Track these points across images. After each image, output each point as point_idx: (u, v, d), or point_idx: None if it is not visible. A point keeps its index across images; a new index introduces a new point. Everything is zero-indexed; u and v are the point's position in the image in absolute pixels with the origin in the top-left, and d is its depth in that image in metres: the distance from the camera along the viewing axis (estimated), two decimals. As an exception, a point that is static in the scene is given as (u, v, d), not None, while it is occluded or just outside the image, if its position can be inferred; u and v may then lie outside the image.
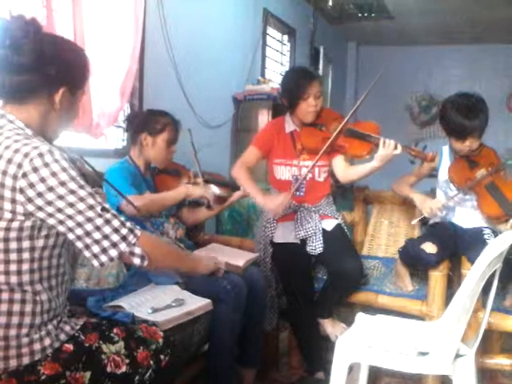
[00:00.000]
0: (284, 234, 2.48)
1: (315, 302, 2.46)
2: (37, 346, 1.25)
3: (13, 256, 1.22)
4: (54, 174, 1.20)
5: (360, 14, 6.26)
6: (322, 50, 6.16)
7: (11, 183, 1.19)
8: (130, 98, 3.11)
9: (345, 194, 3.69)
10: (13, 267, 1.23)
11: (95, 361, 1.32)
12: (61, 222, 1.23)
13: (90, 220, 1.25)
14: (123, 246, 1.29)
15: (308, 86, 2.38)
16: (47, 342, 1.27)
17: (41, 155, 1.20)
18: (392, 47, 7.56)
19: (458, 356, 1.73)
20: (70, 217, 1.23)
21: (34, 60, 1.26)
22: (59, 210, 1.22)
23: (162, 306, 1.78)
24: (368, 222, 2.98)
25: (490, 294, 1.80)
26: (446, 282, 2.28)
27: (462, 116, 2.29)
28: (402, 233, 2.89)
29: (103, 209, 1.27)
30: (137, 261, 1.33)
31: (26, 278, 1.24)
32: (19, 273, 1.24)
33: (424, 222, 2.60)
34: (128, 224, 1.32)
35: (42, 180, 1.19)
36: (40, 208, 1.21)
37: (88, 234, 1.25)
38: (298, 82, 2.41)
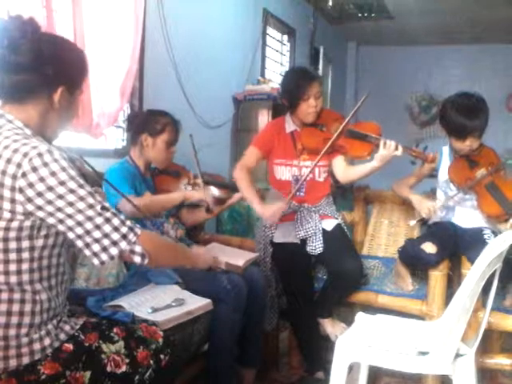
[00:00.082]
0: (284, 234, 2.48)
1: (315, 302, 2.46)
2: (36, 346, 1.25)
3: (12, 256, 1.23)
4: (53, 174, 1.21)
5: (360, 14, 6.26)
6: (321, 50, 6.17)
7: (10, 183, 1.19)
8: (130, 98, 3.11)
9: (345, 194, 3.69)
10: (12, 267, 1.23)
11: (95, 360, 1.32)
12: (61, 221, 1.23)
13: (89, 219, 1.25)
14: (123, 245, 1.29)
15: (308, 86, 2.38)
16: (47, 341, 1.27)
17: (40, 155, 1.20)
18: (392, 47, 7.57)
19: (458, 356, 1.73)
20: (69, 216, 1.23)
21: (32, 60, 1.26)
22: (59, 210, 1.22)
23: (161, 305, 1.78)
24: (368, 222, 2.98)
25: (490, 293, 1.80)
26: (445, 281, 2.28)
27: (463, 116, 2.29)
28: (401, 233, 2.89)
29: (103, 207, 1.27)
30: (137, 259, 1.33)
31: (25, 277, 1.24)
32: (19, 272, 1.24)
33: (424, 222, 2.60)
34: (128, 222, 1.32)
35: (42, 179, 1.20)
36: (40, 207, 1.21)
37: (88, 232, 1.25)
38: (297, 82, 2.41)
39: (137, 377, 1.38)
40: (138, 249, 1.32)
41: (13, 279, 1.23)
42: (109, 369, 1.33)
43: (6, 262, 1.22)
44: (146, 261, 1.34)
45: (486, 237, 2.29)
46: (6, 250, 1.22)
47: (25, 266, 1.24)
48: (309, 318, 2.45)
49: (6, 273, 1.23)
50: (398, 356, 1.72)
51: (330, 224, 2.50)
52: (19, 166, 1.19)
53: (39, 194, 1.20)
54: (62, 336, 1.31)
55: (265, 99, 4.28)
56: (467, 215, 2.44)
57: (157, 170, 2.49)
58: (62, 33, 2.41)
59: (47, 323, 1.29)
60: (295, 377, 2.61)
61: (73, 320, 1.38)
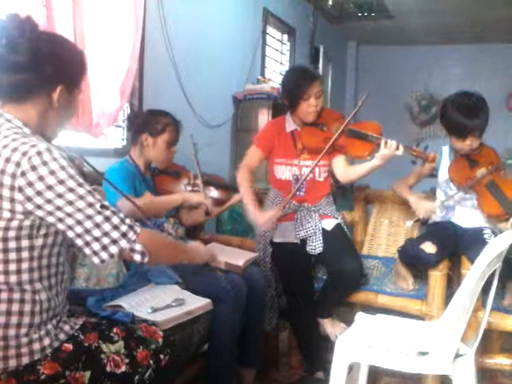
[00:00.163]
0: (284, 234, 2.48)
1: (315, 302, 2.46)
2: (36, 346, 1.25)
3: (12, 255, 1.22)
4: (52, 173, 1.20)
5: (360, 14, 6.26)
6: (321, 50, 6.16)
7: (10, 182, 1.19)
8: (130, 98, 3.11)
9: (345, 194, 3.69)
10: (12, 266, 1.23)
11: (95, 360, 1.32)
12: (60, 220, 1.23)
13: (89, 217, 1.25)
14: (123, 243, 1.29)
15: (309, 86, 2.37)
16: (46, 341, 1.27)
17: (39, 153, 1.20)
18: (392, 47, 7.57)
19: (457, 356, 1.73)
20: (69, 215, 1.23)
21: (30, 59, 1.26)
22: (58, 208, 1.22)
23: (161, 305, 1.78)
24: (368, 222, 2.98)
25: (490, 293, 1.80)
26: (445, 281, 2.28)
27: (463, 115, 2.29)
28: (402, 232, 2.88)
29: (102, 206, 1.27)
30: (137, 257, 1.33)
31: (25, 276, 1.24)
32: (18, 272, 1.23)
33: (424, 222, 2.60)
34: (127, 221, 1.32)
35: (41, 178, 1.19)
36: (39, 206, 1.21)
37: (88, 231, 1.25)
38: (298, 82, 2.40)
39: (136, 377, 1.38)
40: (137, 247, 1.32)
41: (12, 279, 1.23)
42: (108, 369, 1.33)
43: (6, 261, 1.22)
44: (146, 259, 1.34)
45: (486, 236, 2.29)
46: (5, 250, 1.22)
47: (24, 266, 1.24)
48: (309, 317, 2.45)
49: (6, 272, 1.23)
50: (397, 356, 1.72)
51: (329, 224, 2.50)
52: (18, 164, 1.19)
53: (39, 193, 1.20)
54: (62, 336, 1.31)
55: (265, 99, 4.28)
56: (467, 215, 2.44)
57: (157, 170, 2.48)
58: (61, 32, 2.40)
59: (47, 323, 1.29)
60: (295, 377, 2.61)
61: (72, 320, 1.38)
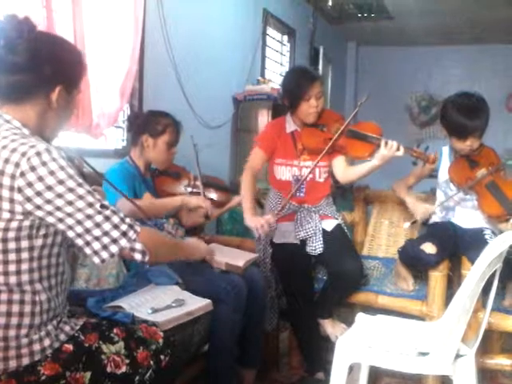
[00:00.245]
0: (284, 235, 2.48)
1: (315, 303, 2.46)
2: (36, 347, 1.25)
3: (11, 256, 1.22)
4: (52, 173, 1.20)
5: (360, 14, 6.27)
6: (321, 50, 6.17)
7: (9, 183, 1.19)
8: (130, 99, 3.11)
9: (345, 195, 3.69)
10: (12, 267, 1.23)
11: (95, 361, 1.32)
12: (60, 220, 1.23)
13: (89, 217, 1.25)
14: (123, 242, 1.29)
15: (309, 86, 2.37)
16: (47, 342, 1.27)
17: (38, 154, 1.20)
18: (392, 47, 7.57)
19: (458, 356, 1.73)
20: (69, 215, 1.23)
21: (29, 59, 1.26)
22: (58, 209, 1.22)
23: (162, 306, 1.77)
24: (368, 223, 2.98)
25: (490, 294, 1.80)
26: (446, 282, 2.28)
27: (463, 116, 2.29)
28: (402, 233, 2.88)
29: (102, 206, 1.27)
30: (138, 256, 1.33)
31: (25, 277, 1.24)
32: (18, 273, 1.23)
33: (423, 223, 2.60)
34: (127, 220, 1.32)
35: (40, 179, 1.19)
36: (39, 207, 1.21)
37: (88, 231, 1.25)
38: (299, 82, 2.40)
39: (137, 377, 1.38)
40: (138, 246, 1.32)
41: (12, 280, 1.23)
42: (109, 369, 1.33)
43: (6, 262, 1.22)
44: (147, 258, 1.34)
45: (486, 237, 2.29)
46: (5, 251, 1.22)
47: (24, 266, 1.24)
48: (309, 318, 2.45)
49: (6, 273, 1.22)
50: (398, 356, 1.72)
51: (330, 224, 2.49)
52: (17, 165, 1.19)
53: (38, 194, 1.20)
54: (62, 337, 1.31)
55: (265, 99, 4.28)
56: (467, 215, 2.44)
57: (157, 171, 2.48)
58: (62, 33, 2.41)
59: (47, 324, 1.28)
60: (295, 377, 2.61)
61: (73, 321, 1.38)
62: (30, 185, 1.19)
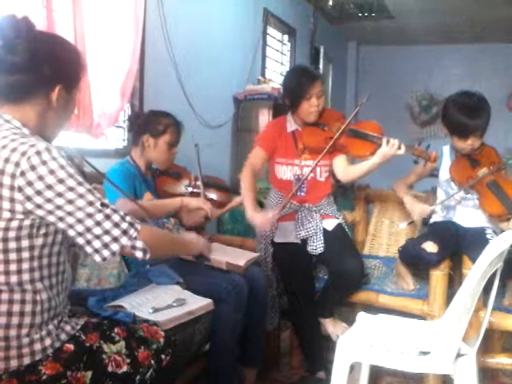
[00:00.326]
0: (285, 234, 2.48)
1: (316, 302, 2.46)
2: (37, 346, 1.25)
3: (12, 256, 1.22)
4: (52, 172, 1.20)
5: (360, 14, 6.27)
6: (322, 50, 6.17)
7: (9, 182, 1.19)
8: (131, 98, 3.11)
9: (345, 194, 3.69)
10: (12, 267, 1.23)
11: (96, 360, 1.32)
12: (61, 219, 1.23)
13: (90, 216, 1.25)
14: (124, 240, 1.29)
15: (310, 85, 2.37)
16: (48, 341, 1.27)
17: (38, 153, 1.20)
18: (392, 47, 7.57)
19: (459, 355, 1.73)
20: (69, 213, 1.23)
21: (28, 59, 1.26)
22: (59, 208, 1.22)
23: (163, 305, 1.78)
24: (369, 222, 2.98)
25: (491, 293, 1.80)
26: (447, 281, 2.28)
27: (465, 115, 2.29)
28: (402, 232, 2.87)
29: (103, 204, 1.27)
30: (139, 254, 1.33)
31: (25, 276, 1.24)
32: (19, 272, 1.23)
33: (424, 222, 2.60)
34: (128, 218, 1.32)
35: (41, 178, 1.19)
36: (39, 206, 1.21)
37: (88, 229, 1.25)
38: (299, 81, 2.40)
39: (138, 377, 1.38)
40: (139, 244, 1.32)
41: (13, 279, 1.23)
42: (110, 369, 1.33)
43: (6, 262, 1.22)
44: (148, 255, 1.34)
45: (488, 236, 2.29)
46: (5, 251, 1.22)
47: (25, 266, 1.24)
48: (310, 317, 2.45)
49: (7, 273, 1.22)
50: (399, 356, 1.72)
51: (330, 224, 2.49)
52: (18, 164, 1.19)
53: (38, 193, 1.20)
54: (63, 336, 1.31)
55: (265, 99, 4.28)
56: (469, 215, 2.44)
57: (158, 171, 2.48)
58: (62, 33, 2.41)
59: (48, 323, 1.28)
60: (296, 377, 2.61)
61: (74, 320, 1.38)
62: (30, 184, 1.19)
